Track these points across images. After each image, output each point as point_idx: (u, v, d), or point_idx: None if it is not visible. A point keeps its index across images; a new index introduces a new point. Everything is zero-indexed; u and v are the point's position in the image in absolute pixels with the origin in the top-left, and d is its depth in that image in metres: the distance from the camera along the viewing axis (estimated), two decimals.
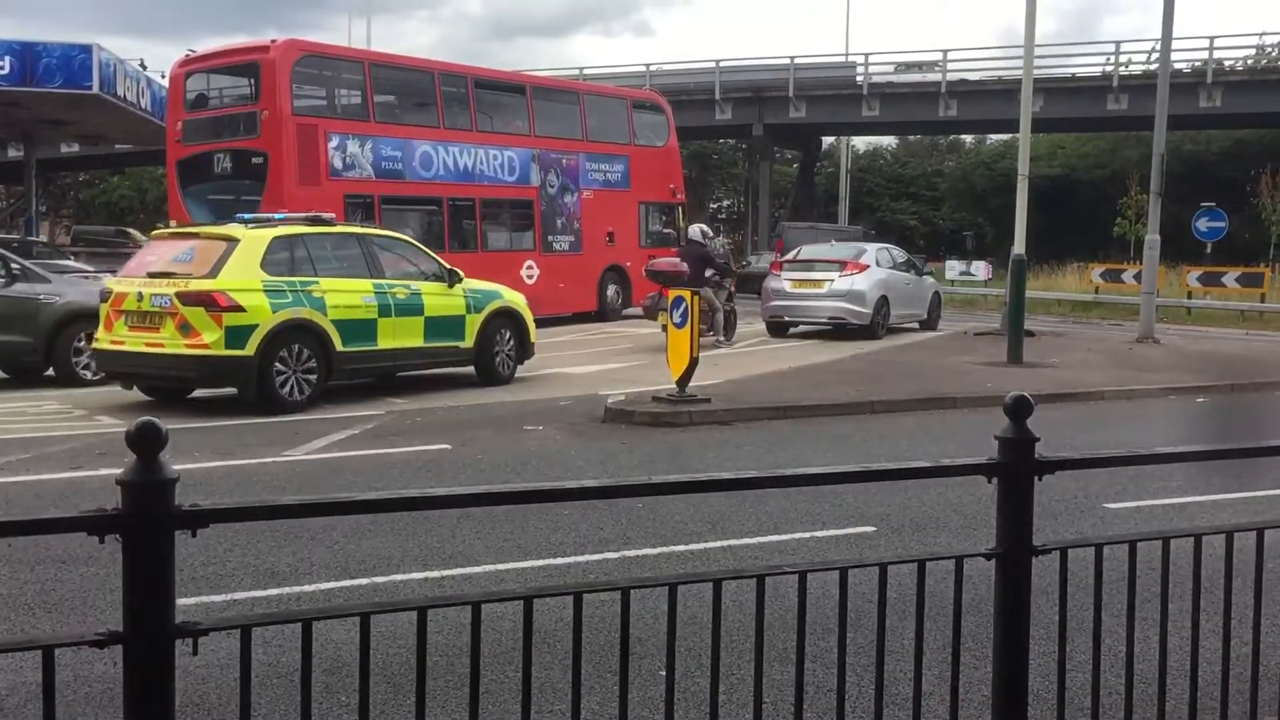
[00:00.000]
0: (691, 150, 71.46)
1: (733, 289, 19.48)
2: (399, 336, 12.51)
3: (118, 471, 2.11)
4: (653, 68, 47.47)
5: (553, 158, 23.48)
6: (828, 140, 58.81)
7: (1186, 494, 7.80)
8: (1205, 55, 40.52)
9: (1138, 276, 25.68)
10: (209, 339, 10.97)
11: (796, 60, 46.05)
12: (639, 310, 21.01)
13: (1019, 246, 16.78)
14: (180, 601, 2.16)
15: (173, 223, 19.33)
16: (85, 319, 12.98)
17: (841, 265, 20.34)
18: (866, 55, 46.56)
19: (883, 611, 2.80)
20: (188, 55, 20.63)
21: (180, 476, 2.14)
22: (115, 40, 79.56)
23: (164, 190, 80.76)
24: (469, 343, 13.32)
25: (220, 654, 3.96)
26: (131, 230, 59.93)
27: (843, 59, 48.47)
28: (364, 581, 5.65)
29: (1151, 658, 3.23)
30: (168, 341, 11.10)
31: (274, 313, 11.29)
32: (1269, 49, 42.35)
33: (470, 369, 13.57)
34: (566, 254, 23.38)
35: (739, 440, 10.27)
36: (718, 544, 6.44)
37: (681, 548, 6.35)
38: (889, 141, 71.41)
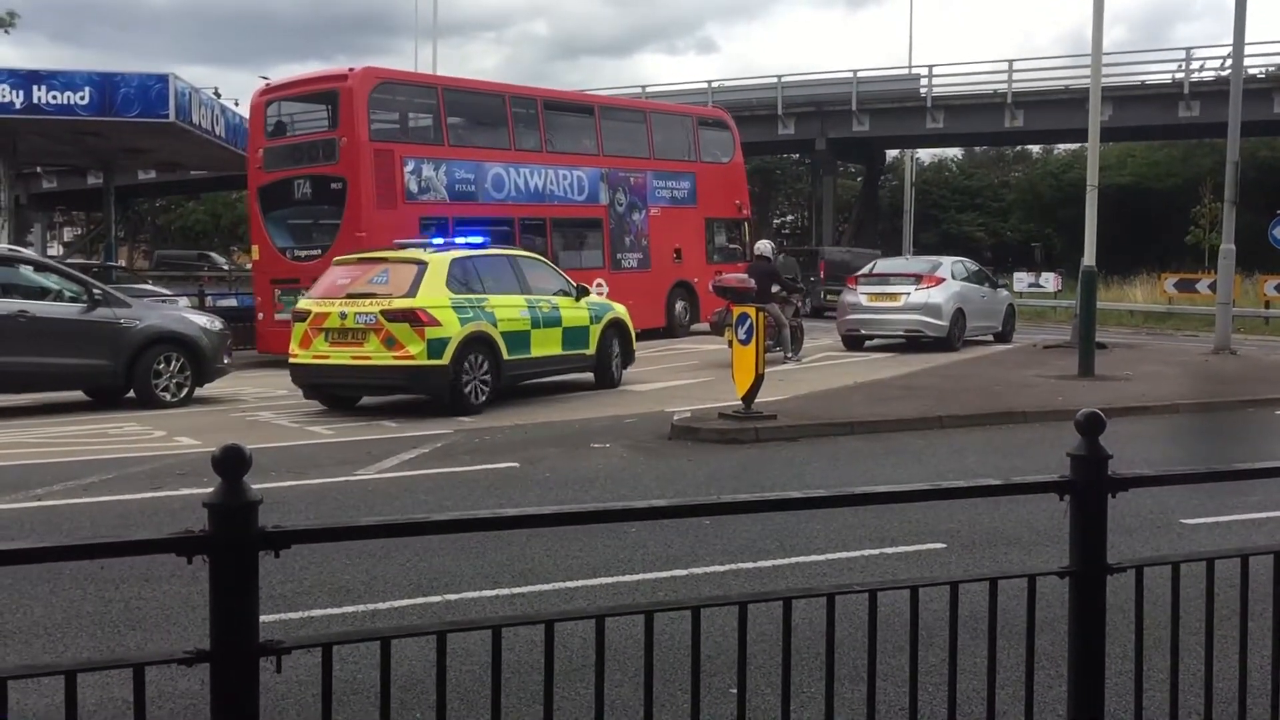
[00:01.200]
0: (754, 165, 71.28)
1: (800, 304, 19.52)
2: (545, 345, 14.02)
3: (198, 492, 2.19)
4: (715, 84, 47.55)
5: (620, 176, 23.81)
6: (891, 153, 58.39)
7: (1266, 509, 7.62)
8: (1279, 60, 39.63)
9: (1212, 286, 25.15)
10: (413, 350, 12.37)
11: (859, 74, 45.83)
12: (706, 326, 21.10)
13: (1089, 258, 16.53)
14: (259, 619, 2.23)
15: (254, 247, 20.49)
16: (165, 342, 13.52)
17: (918, 279, 20.62)
18: (930, 67, 46.23)
19: (954, 630, 2.79)
20: (267, 85, 21.32)
21: (263, 499, 2.21)
22: (191, 69, 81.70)
23: (238, 214, 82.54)
24: (592, 350, 14.80)
25: (299, 671, 4.05)
26: (212, 254, 61.29)
27: (906, 71, 48.13)
28: (436, 599, 5.72)
29: (1231, 677, 3.17)
30: (374, 354, 12.49)
31: (461, 326, 12.74)
32: None
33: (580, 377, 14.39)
34: (635, 271, 23.65)
35: (805, 457, 10.24)
36: (786, 561, 6.42)
37: (749, 565, 6.34)
38: (954, 153, 70.70)
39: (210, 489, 2.16)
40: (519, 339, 13.54)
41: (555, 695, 2.51)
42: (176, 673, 4.32)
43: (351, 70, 19.72)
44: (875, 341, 20.81)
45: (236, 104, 30.22)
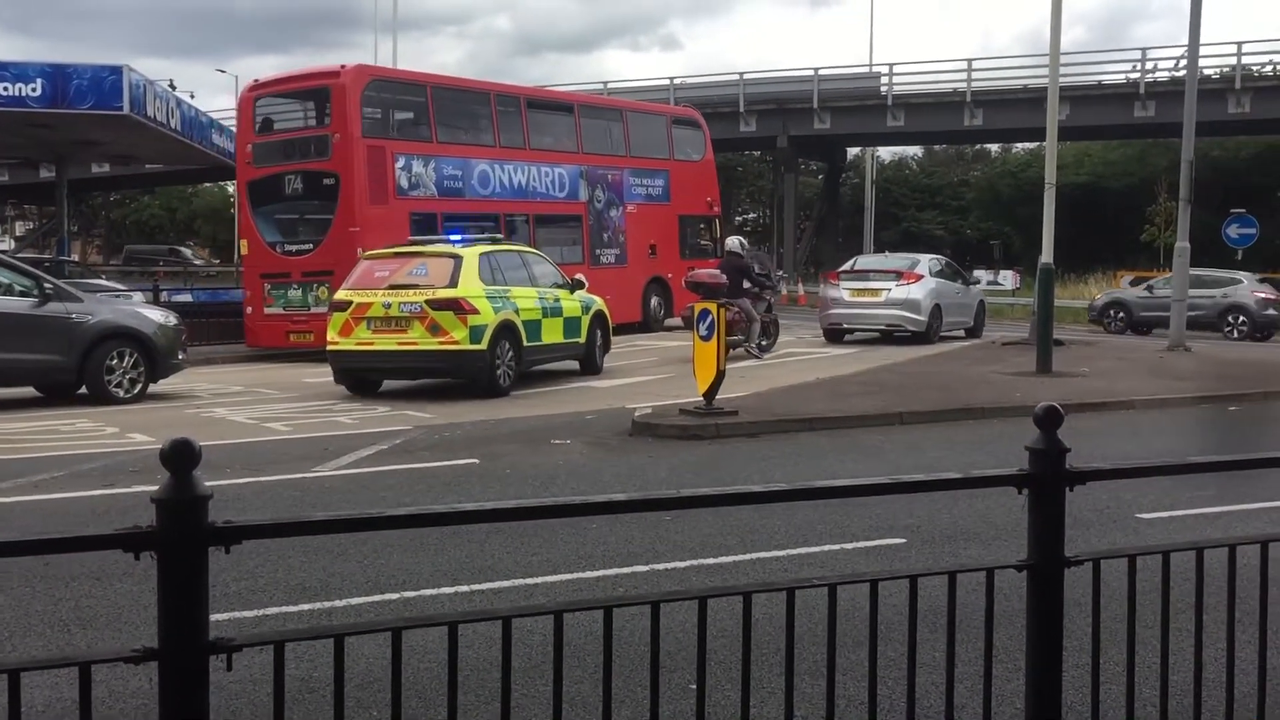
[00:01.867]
0: (716, 163, 71.53)
1: (772, 300, 19.79)
2: (552, 334, 15.13)
3: (151, 488, 2.13)
4: (677, 81, 47.59)
5: (599, 173, 24.38)
6: (852, 151, 58.69)
7: (1220, 504, 7.71)
8: (1234, 61, 40.23)
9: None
10: (458, 336, 13.43)
11: (820, 72, 46.06)
12: (679, 321, 21.38)
13: (1046, 255, 16.68)
14: (213, 617, 2.18)
15: (243, 241, 20.90)
16: (118, 338, 13.34)
17: (898, 275, 21.54)
18: (890, 66, 46.54)
19: (913, 624, 2.79)
20: (256, 81, 21.53)
21: (213, 494, 2.16)
22: (148, 62, 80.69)
23: (194, 208, 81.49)
24: (583, 339, 15.91)
25: (253, 669, 3.99)
26: (183, 249, 60.43)
27: (867, 70, 48.40)
28: (394, 596, 5.67)
29: (1187, 669, 3.20)
30: (420, 340, 13.48)
31: (495, 314, 13.81)
32: None
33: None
34: (613, 266, 24.10)
35: (766, 452, 10.25)
36: (747, 557, 6.42)
37: (710, 560, 6.33)
38: (914, 151, 71.21)
39: None
40: (534, 327, 14.65)
41: (514, 692, 2.48)
42: (128, 672, 4.26)
43: (344, 67, 19.90)
44: (847, 337, 21.34)
45: (192, 96, 29.88)
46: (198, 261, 56.36)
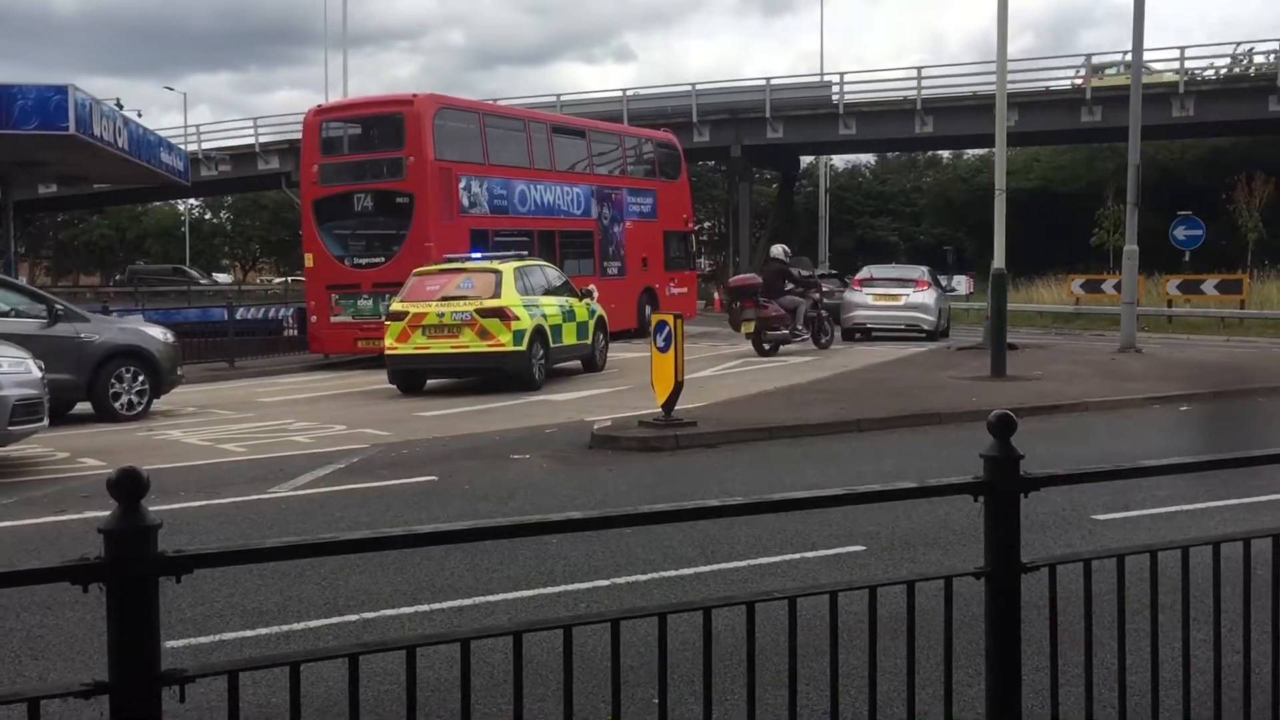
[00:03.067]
0: None
1: (818, 298, 21.87)
2: (569, 337, 17.38)
3: (103, 514, 2.09)
4: (630, 93, 47.64)
5: (605, 192, 26.93)
6: (806, 159, 59.06)
7: (1174, 503, 7.82)
8: (1177, 65, 40.90)
9: (1117, 286, 25.83)
10: (503, 340, 15.65)
11: (773, 81, 46.29)
12: None
13: (998, 260, 16.86)
14: (168, 644, 2.16)
15: (308, 255, 22.52)
16: (124, 356, 13.86)
17: (914, 283, 25.57)
18: (841, 75, 46.87)
19: (874, 633, 2.80)
20: (320, 106, 24.35)
21: (163, 522, 2.13)
22: (97, 81, 79.63)
23: (144, 228, 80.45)
24: (590, 342, 18.19)
25: (210, 696, 3.92)
26: (189, 269, 59.55)
27: (818, 79, 48.75)
28: (353, 618, 5.61)
29: (1144, 670, 3.23)
30: (471, 344, 15.69)
31: (531, 320, 16.01)
32: (1240, 57, 42.75)
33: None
34: (616, 278, 26.42)
35: (726, 463, 10.26)
36: (708, 568, 6.42)
37: (672, 573, 6.32)
38: (867, 159, 71.76)
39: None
40: (557, 331, 16.88)
41: (475, 713, 2.46)
42: (80, 704, 4.17)
43: (415, 96, 22.20)
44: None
45: (139, 115, 29.58)
46: (204, 281, 55.59)
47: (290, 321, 25.01)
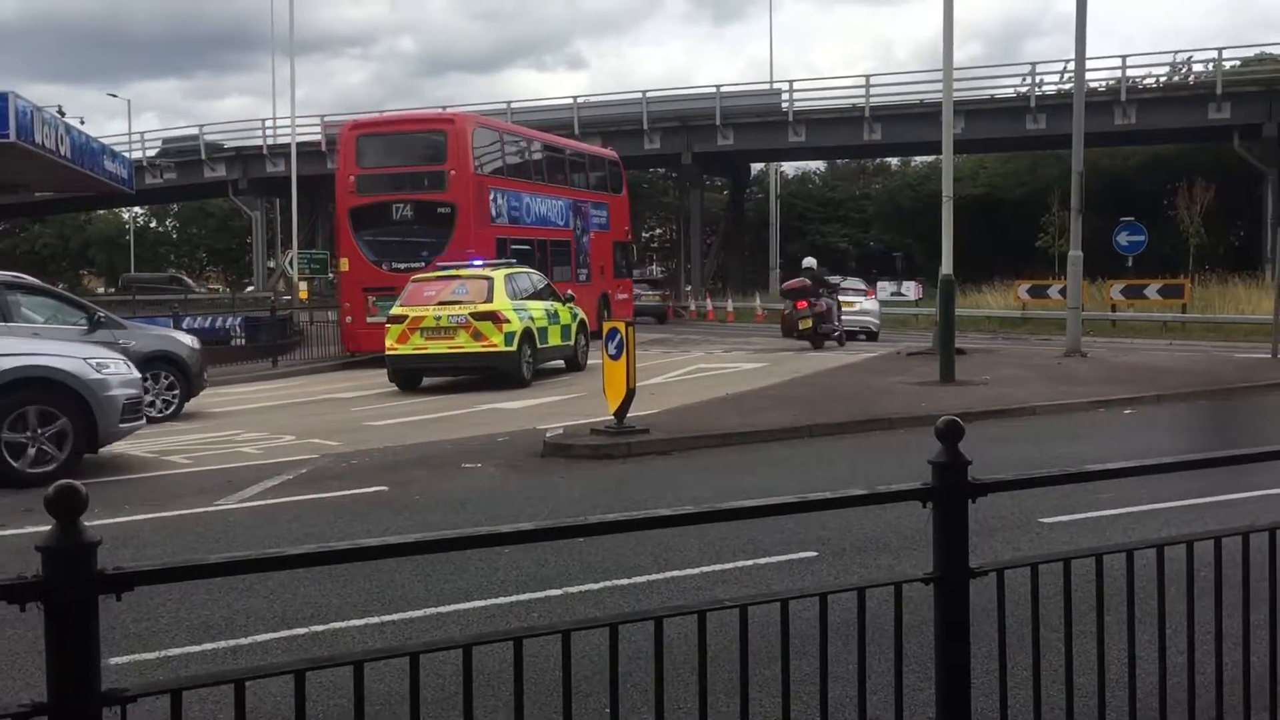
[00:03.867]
0: None
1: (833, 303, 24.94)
2: (554, 339, 18.88)
3: (44, 529, 2.05)
4: (580, 100, 47.65)
5: (578, 205, 29.07)
6: (756, 167, 59.35)
7: (1119, 506, 7.93)
8: (1119, 74, 41.61)
9: (1062, 292, 26.21)
10: (496, 341, 17.12)
11: (723, 89, 46.54)
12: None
13: (946, 266, 17.03)
14: (112, 660, 2.12)
15: (343, 259, 24.52)
16: (159, 361, 14.50)
17: (864, 292, 30.54)
18: (790, 82, 47.20)
19: (824, 639, 2.80)
20: (356, 121, 27.08)
21: (102, 539, 2.08)
22: (40, 88, 78.21)
23: (88, 236, 79.23)
24: (572, 343, 19.70)
25: (154, 715, 3.85)
26: (185, 278, 58.49)
27: (768, 87, 49.03)
28: (302, 631, 5.54)
29: (1091, 671, 3.27)
30: (466, 345, 17.11)
31: (520, 323, 17.50)
32: (1180, 65, 43.59)
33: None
34: (585, 284, 28.28)
35: (679, 470, 10.27)
36: (661, 576, 6.41)
37: (625, 581, 6.31)
38: (817, 166, 72.26)
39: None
40: (543, 333, 18.36)
41: None
42: None
43: (455, 115, 26.99)
44: (739, 352, 22.48)
45: (82, 122, 29.10)
46: (198, 290, 54.70)
47: (238, 330, 24.72)
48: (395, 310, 17.66)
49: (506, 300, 17.56)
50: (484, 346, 16.93)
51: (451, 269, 18.86)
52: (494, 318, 17.18)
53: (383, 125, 26.67)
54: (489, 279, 17.79)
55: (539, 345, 18.08)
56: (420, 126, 26.04)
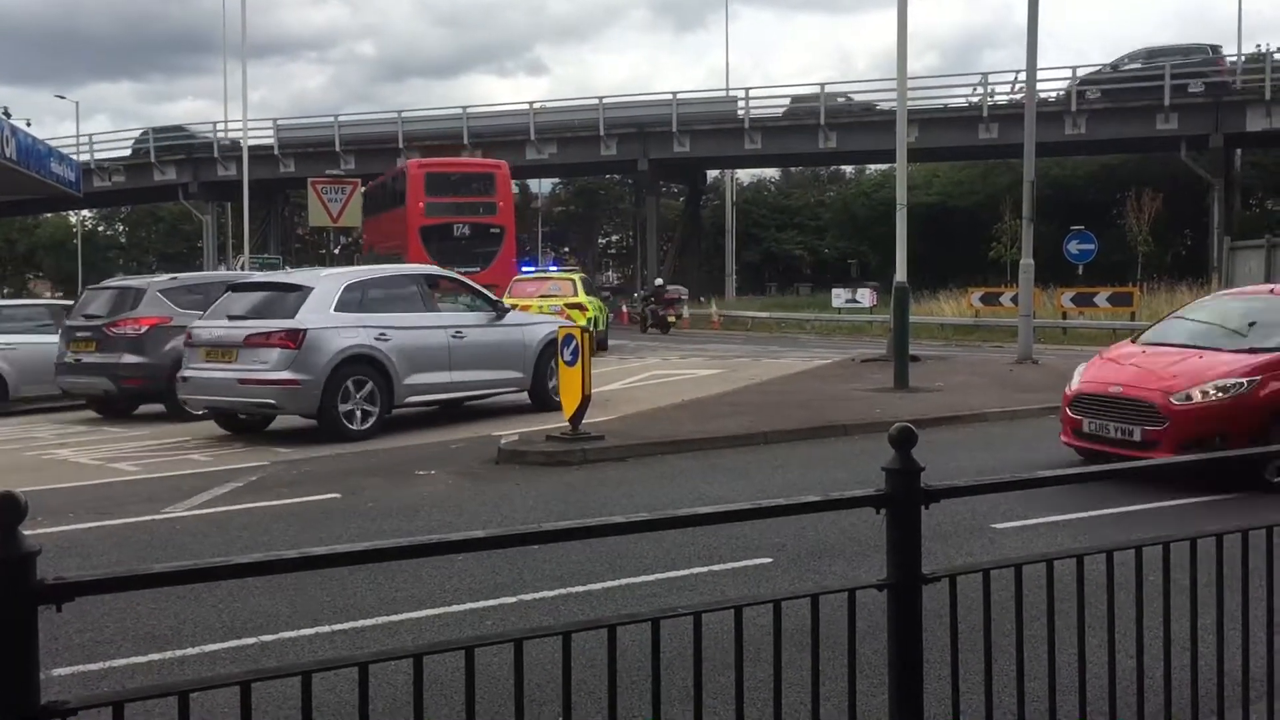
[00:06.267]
0: (578, 186, 71.68)
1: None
2: (601, 323, 26.20)
3: None
4: (537, 105, 47.64)
5: None
6: (712, 174, 59.57)
7: (1070, 511, 8.02)
8: (1069, 84, 42.17)
9: (1014, 299, 26.50)
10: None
11: (679, 96, 46.63)
12: None
13: (901, 274, 17.15)
14: (54, 672, 2.07)
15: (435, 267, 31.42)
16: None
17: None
18: (746, 90, 47.48)
19: (778, 646, 2.80)
20: (423, 160, 35.17)
21: (41, 548, 2.03)
22: None
23: (35, 240, 78.38)
24: (605, 328, 26.76)
25: None
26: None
27: (724, 94, 49.23)
28: (251, 641, 5.46)
29: (1042, 676, 3.29)
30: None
31: (593, 311, 25.80)
32: (1126, 73, 44.20)
33: None
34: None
35: (634, 477, 10.25)
36: (616, 583, 6.39)
37: (579, 588, 6.28)
38: (772, 173, 72.67)
39: None
40: (596, 319, 25.20)
41: None
42: None
43: (500, 162, 34.35)
44: (695, 358, 21.85)
45: (29, 124, 28.63)
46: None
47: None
48: (508, 301, 20.08)
49: (584, 295, 26.37)
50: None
51: (540, 273, 28.21)
52: (580, 308, 24.90)
53: (442, 165, 34.77)
54: (572, 280, 27.26)
55: (599, 327, 24.88)
56: (475, 168, 35.05)
